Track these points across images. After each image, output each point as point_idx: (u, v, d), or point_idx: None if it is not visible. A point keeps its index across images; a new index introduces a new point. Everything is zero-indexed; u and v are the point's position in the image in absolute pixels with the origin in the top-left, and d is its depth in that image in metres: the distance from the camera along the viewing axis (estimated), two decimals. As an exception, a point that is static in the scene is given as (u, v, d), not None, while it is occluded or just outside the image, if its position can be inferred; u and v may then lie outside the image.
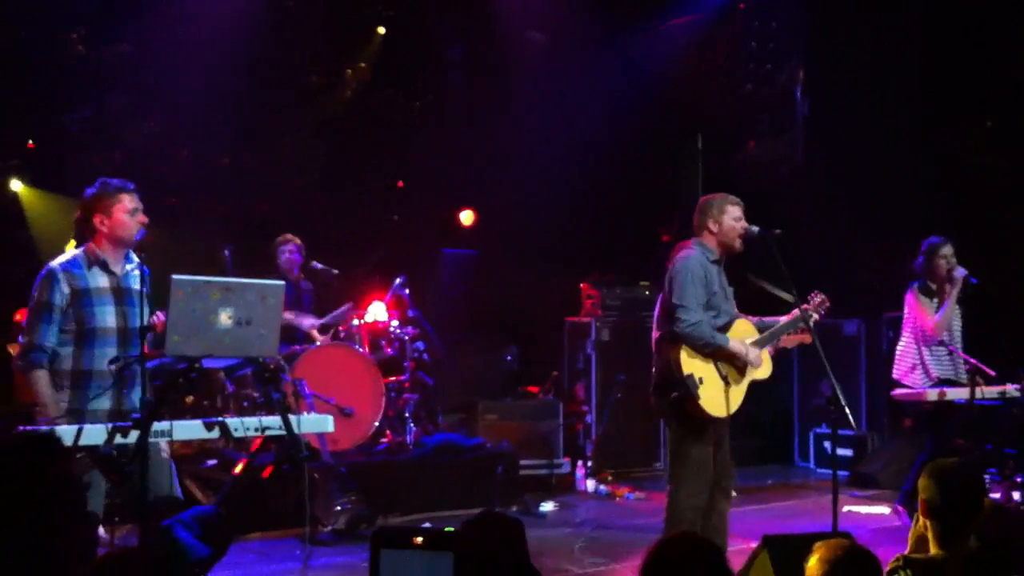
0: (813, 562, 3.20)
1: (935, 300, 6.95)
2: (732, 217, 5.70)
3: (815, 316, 5.80)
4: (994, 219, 9.16)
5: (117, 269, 4.74)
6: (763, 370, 5.75)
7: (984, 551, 3.64)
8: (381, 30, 10.37)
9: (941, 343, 6.86)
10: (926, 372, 6.91)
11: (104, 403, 4.59)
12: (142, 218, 4.74)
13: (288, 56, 9.74)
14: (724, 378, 5.58)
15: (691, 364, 5.51)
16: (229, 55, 8.98)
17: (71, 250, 4.80)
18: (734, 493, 8.06)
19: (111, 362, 4.51)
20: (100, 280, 4.67)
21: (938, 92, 9.56)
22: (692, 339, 5.48)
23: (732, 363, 5.61)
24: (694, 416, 5.53)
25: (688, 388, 5.45)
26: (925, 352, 6.92)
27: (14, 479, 2.58)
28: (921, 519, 3.77)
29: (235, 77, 9.20)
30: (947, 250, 6.91)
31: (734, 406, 5.62)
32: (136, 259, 4.84)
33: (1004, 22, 8.93)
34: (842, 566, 3.11)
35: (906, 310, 7.11)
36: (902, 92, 9.73)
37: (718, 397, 5.56)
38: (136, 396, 4.63)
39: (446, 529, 2.99)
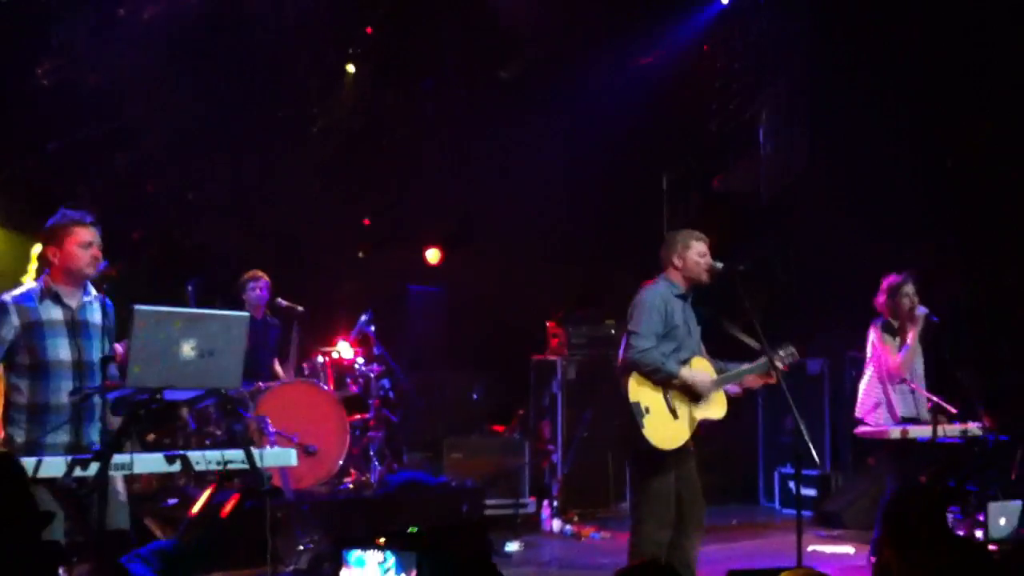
0: None
1: (897, 338, 7.00)
2: (696, 252, 5.75)
3: (780, 366, 5.78)
4: (995, 225, 9.22)
5: (72, 302, 4.67)
6: (716, 410, 5.74)
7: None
8: (351, 68, 10.41)
9: (904, 381, 6.90)
10: (890, 410, 6.95)
11: (62, 437, 4.52)
12: (95, 252, 4.66)
13: (257, 92, 9.74)
14: (673, 411, 5.57)
15: (639, 392, 5.50)
16: (192, 88, 9.01)
17: (28, 282, 4.75)
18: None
19: (71, 394, 4.45)
20: (53, 313, 4.61)
21: (938, 97, 9.64)
22: (641, 365, 5.49)
23: (683, 396, 5.60)
24: (644, 448, 5.51)
25: (632, 416, 5.45)
26: (889, 390, 6.96)
27: None
28: (885, 552, 3.78)
29: (202, 112, 9.20)
30: (909, 288, 6.96)
31: (680, 441, 5.57)
32: (94, 292, 4.78)
33: (1004, 24, 9.03)
34: None
35: (869, 348, 7.15)
36: (901, 99, 9.79)
37: (664, 429, 5.53)
38: (95, 430, 4.59)
39: (409, 529, 2.97)
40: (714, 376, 5.72)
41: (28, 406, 4.54)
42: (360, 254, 10.88)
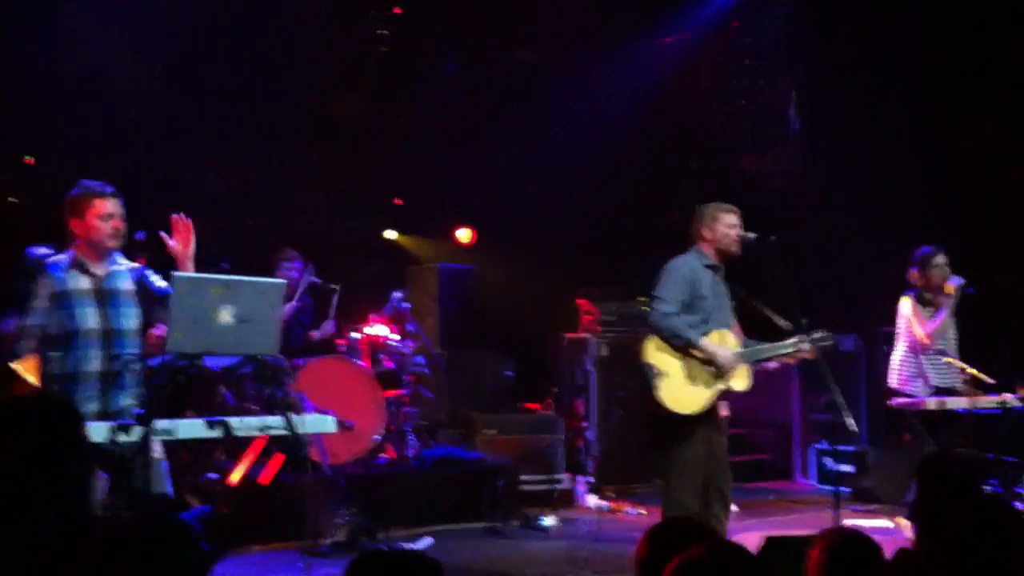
0: (816, 550, 3.21)
1: (930, 309, 6.95)
2: (726, 224, 5.75)
3: (807, 349, 5.74)
4: (995, 225, 9.17)
5: (99, 271, 4.73)
6: (740, 382, 5.72)
7: (984, 546, 3.62)
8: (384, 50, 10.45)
9: (940, 352, 6.86)
10: (925, 381, 6.91)
11: (91, 405, 4.57)
12: (116, 223, 4.69)
13: (284, 74, 9.79)
14: (691, 377, 5.56)
15: (655, 355, 5.53)
16: (219, 71, 9.07)
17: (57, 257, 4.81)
18: (735, 508, 8.09)
19: (113, 359, 4.52)
20: (80, 282, 4.66)
21: (937, 96, 9.60)
22: (661, 329, 5.51)
23: (704, 366, 5.59)
24: (663, 415, 5.50)
25: (647, 378, 5.45)
26: (924, 361, 6.93)
27: (30, 439, 2.56)
28: (919, 517, 3.76)
29: (229, 94, 9.27)
30: (940, 259, 6.93)
31: (696, 406, 5.57)
32: (124, 261, 4.82)
33: (1004, 25, 8.97)
34: (844, 550, 3.11)
35: (900, 320, 7.11)
36: (901, 99, 9.77)
37: (679, 393, 5.54)
38: (123, 397, 4.64)
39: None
40: (737, 348, 5.70)
41: (59, 376, 4.60)
42: (386, 234, 10.90)
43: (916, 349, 6.96)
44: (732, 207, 5.82)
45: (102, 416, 4.54)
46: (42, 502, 2.51)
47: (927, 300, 6.98)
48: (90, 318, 4.64)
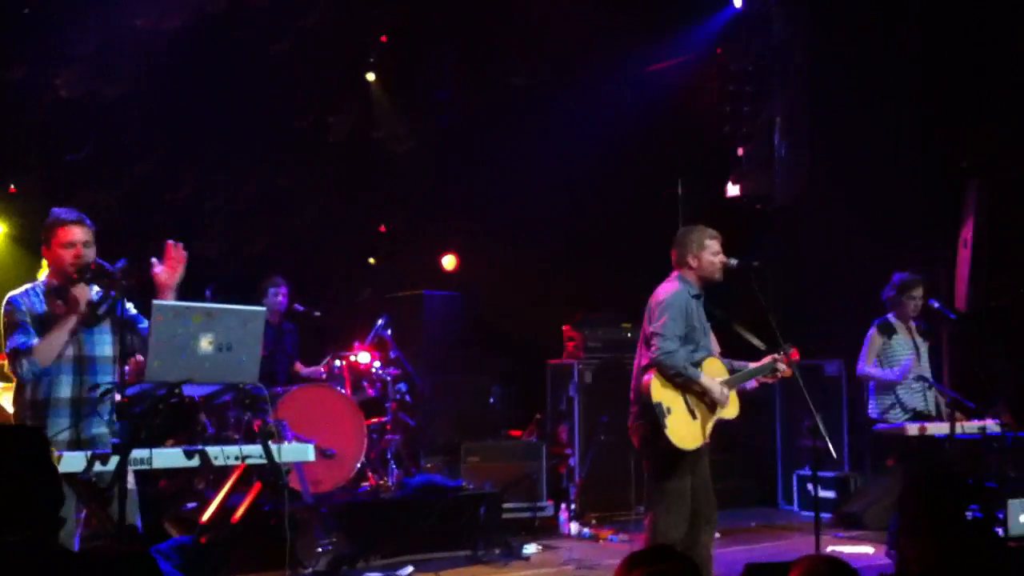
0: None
1: (896, 337, 7.00)
2: (711, 252, 5.77)
3: (783, 368, 5.80)
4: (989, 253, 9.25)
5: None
6: (730, 410, 5.80)
7: (966, 570, 3.63)
8: (371, 76, 10.47)
9: (921, 378, 6.90)
10: (902, 407, 6.95)
11: (63, 433, 4.55)
12: (78, 251, 4.63)
13: (277, 99, 9.82)
14: (691, 412, 5.61)
15: (661, 393, 5.54)
16: (209, 98, 9.09)
17: (40, 277, 4.80)
18: (717, 534, 8.07)
19: (90, 390, 4.49)
20: (56, 310, 4.64)
21: (929, 125, 9.68)
22: (665, 367, 5.53)
23: (701, 398, 5.64)
24: (664, 448, 5.54)
25: (655, 416, 5.48)
26: (898, 388, 6.97)
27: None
28: (902, 540, 3.77)
29: (218, 121, 9.29)
30: (919, 291, 7.01)
31: (700, 440, 5.65)
32: (96, 288, 4.79)
33: (1007, 32, 9.06)
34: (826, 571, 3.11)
35: (867, 348, 7.19)
36: (890, 129, 9.85)
37: (684, 430, 5.58)
38: (96, 426, 4.62)
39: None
40: (725, 377, 5.75)
41: (31, 402, 4.60)
42: (371, 260, 10.90)
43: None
44: (715, 232, 5.84)
45: (75, 444, 4.53)
46: (10, 527, 2.50)
47: (891, 329, 7.03)
48: (64, 345, 4.61)
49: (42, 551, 2.49)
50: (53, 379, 4.58)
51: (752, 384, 6.36)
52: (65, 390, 4.59)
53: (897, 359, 6.95)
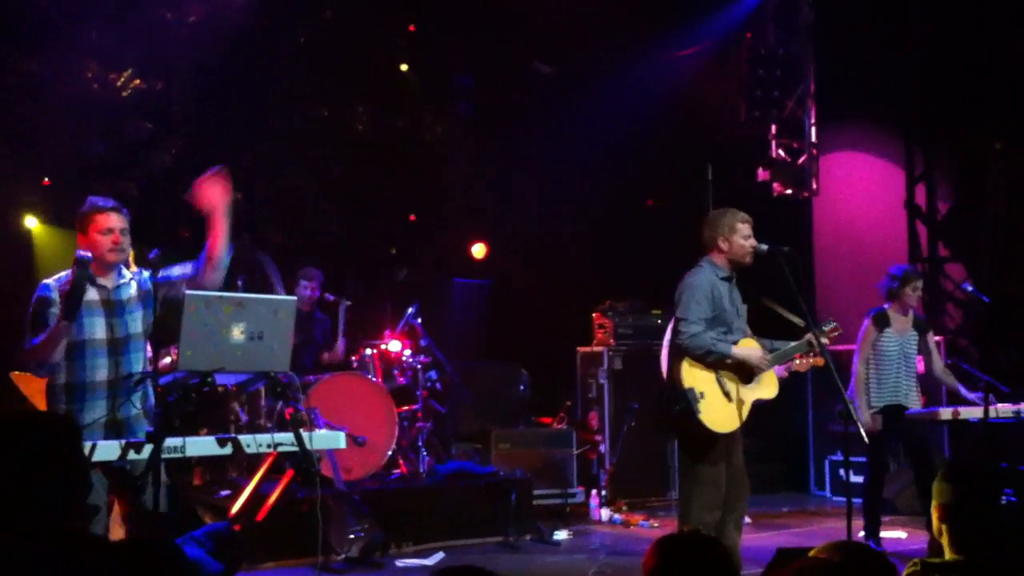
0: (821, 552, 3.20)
1: (886, 331, 6.97)
2: (742, 236, 5.74)
3: (825, 341, 5.80)
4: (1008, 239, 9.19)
5: (107, 283, 4.75)
6: (769, 390, 5.76)
7: (1003, 556, 3.60)
8: (404, 67, 10.49)
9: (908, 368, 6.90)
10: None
11: (99, 414, 4.59)
12: (116, 238, 4.67)
13: (301, 87, 9.85)
14: (727, 393, 5.59)
15: (692, 377, 5.53)
16: (239, 85, 9.14)
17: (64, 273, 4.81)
18: (748, 520, 8.08)
19: (126, 378, 4.55)
20: (90, 293, 4.65)
21: (947, 112, 9.62)
22: (692, 349, 5.52)
23: (735, 378, 5.61)
24: (698, 432, 5.53)
25: (688, 402, 5.46)
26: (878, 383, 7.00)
27: (27, 454, 2.59)
28: (936, 524, 3.75)
29: (247, 110, 9.34)
30: (919, 283, 6.99)
31: (736, 423, 5.62)
32: (128, 273, 4.85)
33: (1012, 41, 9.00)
34: (855, 557, 3.10)
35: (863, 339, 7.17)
36: (910, 116, 9.80)
37: (720, 412, 5.56)
38: (131, 407, 4.67)
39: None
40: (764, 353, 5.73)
41: (66, 386, 4.64)
42: (392, 251, 10.91)
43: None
44: (746, 216, 5.80)
45: (111, 424, 4.59)
46: (37, 512, 2.54)
47: (887, 320, 6.99)
48: (98, 328, 4.66)
49: (67, 539, 2.52)
50: (88, 362, 4.63)
51: (781, 372, 6.34)
52: (101, 372, 4.63)
53: (886, 353, 6.95)
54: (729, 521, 5.72)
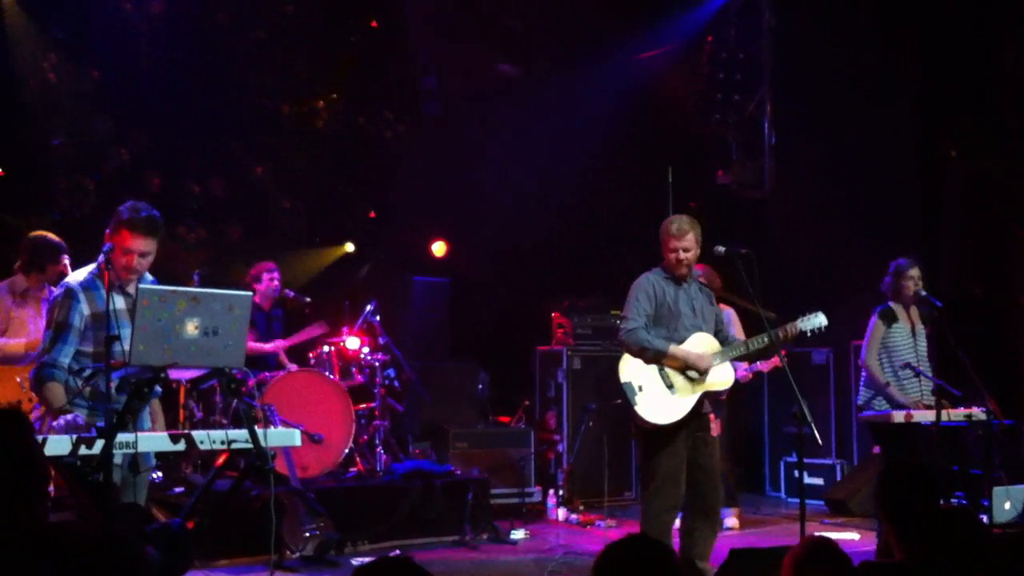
0: (788, 559, 3.24)
1: (896, 326, 6.98)
2: (668, 248, 5.81)
3: (802, 327, 5.85)
4: (971, 237, 9.29)
5: (132, 289, 4.59)
6: (721, 381, 5.79)
7: (948, 556, 3.65)
8: (354, 62, 10.45)
9: (907, 366, 6.89)
10: (890, 396, 6.94)
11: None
12: (130, 260, 4.53)
13: (260, 83, 9.78)
14: (669, 386, 5.63)
15: (630, 372, 5.65)
16: (198, 81, 9.06)
17: (90, 268, 4.69)
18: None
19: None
20: (117, 303, 4.49)
21: (914, 111, 9.72)
22: (627, 345, 5.66)
23: (683, 372, 5.66)
24: (647, 428, 5.59)
25: (626, 395, 5.55)
26: (890, 376, 6.96)
27: None
28: (884, 526, 3.80)
29: (207, 105, 9.26)
30: (914, 272, 6.97)
31: (678, 415, 5.64)
32: (149, 276, 4.77)
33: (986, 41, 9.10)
34: (814, 552, 3.15)
35: (868, 335, 7.16)
36: (878, 113, 9.89)
37: (658, 405, 5.61)
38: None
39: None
40: (716, 349, 5.76)
41: (92, 394, 4.49)
42: (350, 247, 10.85)
43: (882, 364, 7.00)
44: (682, 227, 5.77)
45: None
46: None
47: (893, 316, 7.01)
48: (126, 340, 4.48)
49: (19, 530, 2.49)
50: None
51: (743, 373, 6.38)
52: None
53: (897, 348, 6.95)
54: (698, 524, 5.74)
